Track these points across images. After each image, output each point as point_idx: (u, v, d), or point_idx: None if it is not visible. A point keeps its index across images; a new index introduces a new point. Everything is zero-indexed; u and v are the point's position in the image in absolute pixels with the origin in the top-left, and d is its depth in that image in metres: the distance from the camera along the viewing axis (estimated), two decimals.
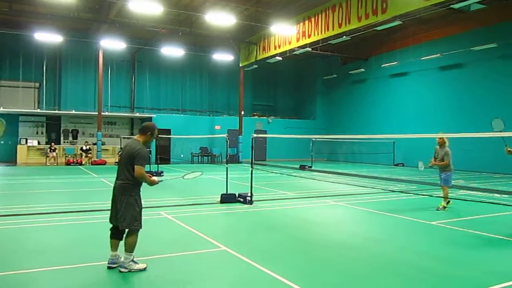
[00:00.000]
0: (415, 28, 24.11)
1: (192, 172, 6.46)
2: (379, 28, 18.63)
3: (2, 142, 26.28)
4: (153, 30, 24.59)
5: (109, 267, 5.25)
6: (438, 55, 23.40)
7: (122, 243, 5.30)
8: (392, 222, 8.83)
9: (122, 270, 5.17)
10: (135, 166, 5.17)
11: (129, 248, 5.21)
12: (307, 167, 22.88)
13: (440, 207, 10.06)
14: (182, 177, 6.42)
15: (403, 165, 25.31)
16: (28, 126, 26.62)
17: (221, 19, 20.87)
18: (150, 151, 22.42)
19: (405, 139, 24.65)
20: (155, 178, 5.41)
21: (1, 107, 24.63)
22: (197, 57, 29.76)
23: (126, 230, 5.23)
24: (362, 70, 29.31)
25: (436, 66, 24.39)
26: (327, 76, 32.58)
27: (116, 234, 5.32)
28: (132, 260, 5.24)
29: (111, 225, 5.38)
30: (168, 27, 25.09)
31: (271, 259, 5.81)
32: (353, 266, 5.62)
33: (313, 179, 17.42)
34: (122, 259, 5.23)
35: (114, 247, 5.31)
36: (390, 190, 13.75)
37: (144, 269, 5.26)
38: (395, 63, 26.35)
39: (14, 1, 21.22)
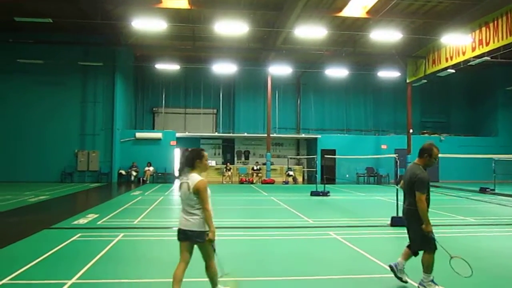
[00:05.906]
0: None
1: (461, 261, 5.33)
2: None
3: None
4: (317, 53, 25.26)
5: (390, 266, 5.59)
6: None
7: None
8: None
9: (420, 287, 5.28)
10: (416, 192, 5.09)
11: (425, 268, 5.25)
12: (488, 189, 20.36)
13: None
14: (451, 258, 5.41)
15: None
16: (208, 148, 29.92)
17: (385, 35, 20.33)
18: (315, 170, 22.82)
19: None
20: (431, 227, 5.08)
21: (187, 132, 28.21)
22: (361, 76, 29.47)
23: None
24: None
25: None
26: (511, 86, 28.79)
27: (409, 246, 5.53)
28: (432, 281, 5.23)
29: None
30: (332, 49, 25.50)
31: None
32: None
33: (499, 203, 15.41)
34: (422, 277, 5.28)
35: (403, 256, 5.54)
36: None
37: None
38: None
39: (196, 39, 24.25)
